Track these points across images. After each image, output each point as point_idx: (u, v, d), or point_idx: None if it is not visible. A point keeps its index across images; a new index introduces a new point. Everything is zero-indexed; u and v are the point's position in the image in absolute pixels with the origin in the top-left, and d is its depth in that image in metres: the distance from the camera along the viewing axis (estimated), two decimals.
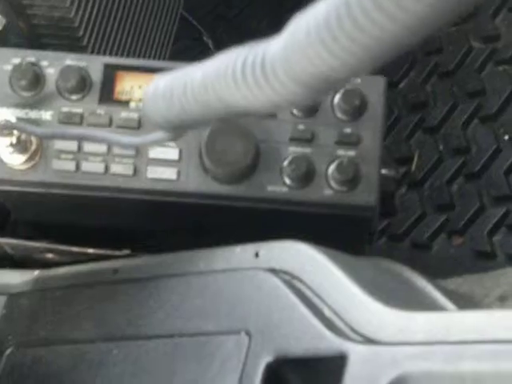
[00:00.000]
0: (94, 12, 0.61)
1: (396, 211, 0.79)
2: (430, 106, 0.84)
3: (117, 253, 0.58)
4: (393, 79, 0.84)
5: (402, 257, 0.79)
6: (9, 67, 0.54)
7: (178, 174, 0.54)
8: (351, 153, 0.54)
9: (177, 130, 0.42)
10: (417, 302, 0.50)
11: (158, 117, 0.41)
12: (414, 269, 0.61)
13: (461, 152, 0.80)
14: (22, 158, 0.53)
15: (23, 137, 0.52)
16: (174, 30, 0.77)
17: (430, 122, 0.83)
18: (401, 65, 0.85)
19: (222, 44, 0.97)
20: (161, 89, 0.40)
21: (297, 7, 1.05)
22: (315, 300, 0.47)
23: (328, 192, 0.54)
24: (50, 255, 0.59)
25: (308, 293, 0.48)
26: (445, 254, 0.77)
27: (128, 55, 0.68)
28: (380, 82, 0.54)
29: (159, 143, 0.47)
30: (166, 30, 0.75)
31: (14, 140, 0.52)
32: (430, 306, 0.50)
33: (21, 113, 0.54)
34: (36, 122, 0.53)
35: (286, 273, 0.49)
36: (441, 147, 0.81)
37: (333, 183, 0.54)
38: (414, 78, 0.85)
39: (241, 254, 0.51)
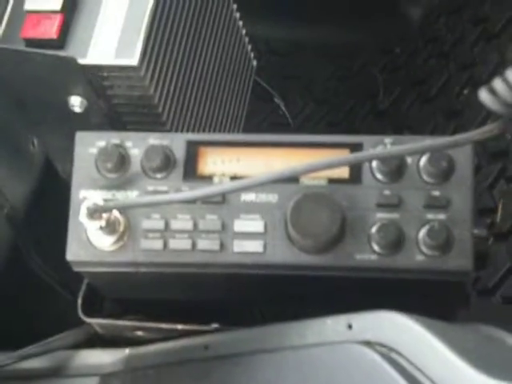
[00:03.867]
0: (172, 88, 0.62)
1: (485, 265, 0.77)
2: (511, 153, 0.82)
3: (206, 328, 0.57)
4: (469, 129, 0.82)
5: (494, 312, 0.76)
6: (94, 150, 0.55)
7: (265, 246, 0.53)
8: (441, 216, 0.52)
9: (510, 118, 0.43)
10: None
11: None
12: (507, 324, 0.58)
13: None
14: (110, 239, 0.53)
15: (112, 219, 0.53)
16: (248, 96, 0.77)
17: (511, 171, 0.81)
18: (477, 114, 0.84)
19: (292, 103, 0.98)
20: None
21: (369, 61, 1.05)
22: (416, 373, 0.46)
23: (420, 258, 0.52)
24: (139, 333, 0.59)
25: (407, 366, 0.46)
26: None
27: (205, 126, 0.69)
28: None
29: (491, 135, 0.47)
30: (240, 98, 0.76)
31: (103, 223, 0.52)
32: None
33: (108, 194, 0.54)
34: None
35: (382, 345, 0.48)
36: None
37: (424, 248, 0.52)
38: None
39: (333, 327, 0.50)
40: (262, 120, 0.97)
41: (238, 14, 0.73)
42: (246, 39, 0.76)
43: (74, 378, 0.59)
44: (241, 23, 0.74)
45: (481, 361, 0.45)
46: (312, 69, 0.99)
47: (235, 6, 0.72)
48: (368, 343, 0.48)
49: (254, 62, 0.79)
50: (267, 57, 0.99)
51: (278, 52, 1.00)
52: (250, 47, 0.77)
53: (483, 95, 0.43)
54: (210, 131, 0.69)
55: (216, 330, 0.57)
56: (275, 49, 1.00)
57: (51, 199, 0.65)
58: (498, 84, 0.43)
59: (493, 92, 0.43)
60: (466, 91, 0.88)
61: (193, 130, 0.66)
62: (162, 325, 0.58)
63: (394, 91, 0.94)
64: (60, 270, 0.58)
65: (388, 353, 0.47)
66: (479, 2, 0.92)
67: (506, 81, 0.43)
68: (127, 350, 0.58)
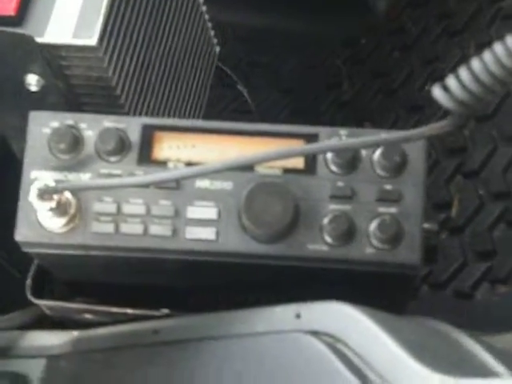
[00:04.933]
0: (131, 71, 0.61)
1: (437, 259, 0.78)
2: (469, 150, 0.82)
3: (156, 313, 0.57)
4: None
5: (445, 306, 0.77)
6: (47, 130, 0.55)
7: (217, 233, 0.53)
8: (393, 210, 0.53)
9: (463, 114, 0.43)
10: (465, 366, 0.49)
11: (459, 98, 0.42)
12: (458, 318, 0.59)
13: (502, 197, 0.78)
14: (61, 221, 0.53)
15: (63, 200, 0.52)
16: (210, 82, 0.77)
17: (469, 166, 0.81)
18: (438, 109, 0.84)
19: (256, 91, 0.97)
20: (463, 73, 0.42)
21: (333, 52, 1.05)
22: (360, 364, 0.46)
23: (370, 250, 0.53)
24: (88, 316, 0.59)
25: (352, 356, 0.47)
26: (488, 303, 0.76)
27: (164, 110, 0.68)
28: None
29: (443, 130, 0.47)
30: (201, 84, 0.75)
31: (53, 204, 0.52)
32: (479, 369, 0.48)
33: (59, 176, 0.54)
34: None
35: (328, 335, 0.48)
36: (481, 192, 0.80)
37: (374, 241, 0.53)
38: None
39: (281, 315, 0.50)
40: (225, 107, 0.97)
41: None
42: (210, 24, 0.76)
43: (21, 358, 0.58)
44: (204, 8, 0.74)
45: (425, 354, 0.45)
46: (277, 57, 0.99)
47: None
48: (315, 333, 0.48)
49: (217, 48, 0.78)
50: (233, 43, 0.98)
51: (244, 39, 1.00)
52: (213, 33, 0.77)
53: (436, 92, 0.44)
54: (169, 116, 0.69)
55: (166, 316, 0.57)
56: (241, 36, 1.00)
57: (6, 178, 0.64)
58: (450, 81, 0.43)
59: (446, 89, 0.44)
60: (427, 86, 0.89)
61: (151, 114, 0.65)
62: (111, 308, 0.58)
63: (358, 82, 0.95)
64: (12, 250, 0.57)
65: (334, 343, 0.47)
66: None
67: (458, 78, 0.43)
68: (75, 333, 0.58)
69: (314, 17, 0.99)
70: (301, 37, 0.99)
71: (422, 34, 0.92)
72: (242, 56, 0.99)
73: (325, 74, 0.96)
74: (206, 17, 0.75)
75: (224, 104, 0.97)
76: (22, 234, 0.54)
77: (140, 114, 0.64)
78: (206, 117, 0.77)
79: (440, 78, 0.45)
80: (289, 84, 0.97)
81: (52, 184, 0.51)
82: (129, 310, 0.58)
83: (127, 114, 0.62)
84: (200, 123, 0.57)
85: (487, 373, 0.47)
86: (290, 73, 0.98)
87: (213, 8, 0.75)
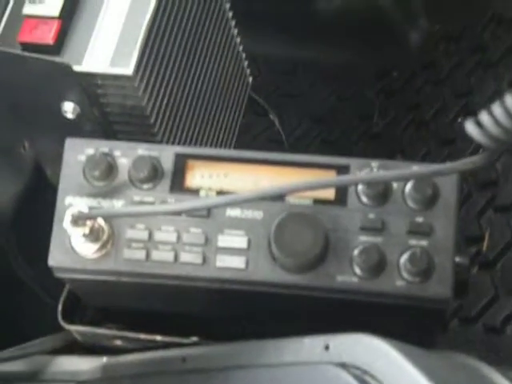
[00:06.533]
0: (165, 101, 0.62)
1: (468, 293, 0.77)
2: (501, 184, 0.82)
3: (185, 340, 0.58)
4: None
5: (475, 340, 0.76)
6: (83, 158, 0.56)
7: (247, 262, 0.54)
8: (424, 243, 0.52)
9: (497, 149, 0.44)
10: None
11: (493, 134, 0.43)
12: (488, 353, 0.58)
13: None
14: (93, 247, 0.54)
15: (96, 226, 0.53)
16: (242, 112, 0.78)
17: (501, 201, 0.81)
18: (470, 142, 0.84)
19: (287, 120, 0.98)
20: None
21: (366, 83, 1.05)
22: None
23: (400, 283, 0.52)
24: (118, 342, 0.59)
25: None
26: None
27: (197, 139, 0.69)
28: None
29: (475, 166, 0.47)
30: (234, 114, 0.76)
31: (86, 230, 0.52)
32: None
33: (93, 202, 0.55)
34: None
35: (357, 368, 0.48)
36: None
37: (405, 274, 0.52)
38: None
39: (310, 347, 0.50)
40: (257, 135, 0.97)
41: (235, 31, 0.74)
42: (243, 55, 0.76)
43: (51, 383, 0.59)
44: (238, 40, 0.75)
45: None
46: (310, 88, 1.00)
47: (233, 23, 0.73)
48: (343, 365, 0.48)
49: (250, 79, 0.79)
50: (266, 74, 0.99)
51: (277, 70, 1.01)
52: (246, 63, 0.77)
53: (470, 127, 0.44)
54: (201, 145, 0.70)
55: (194, 344, 0.57)
56: (274, 67, 1.01)
57: (39, 203, 0.65)
58: (484, 117, 0.43)
59: (479, 124, 0.44)
60: (460, 119, 0.89)
61: (184, 143, 0.66)
62: (141, 335, 0.58)
63: (389, 114, 0.95)
64: (44, 275, 0.58)
65: (362, 375, 0.47)
66: (479, 31, 0.92)
67: (491, 114, 0.43)
68: (105, 359, 0.58)
69: (346, 49, 0.99)
70: (333, 68, 0.99)
71: (456, 67, 0.92)
72: (274, 86, 1.00)
73: (357, 106, 0.97)
74: (240, 48, 0.75)
75: (255, 132, 0.97)
76: (56, 259, 0.54)
77: (173, 143, 0.65)
78: (237, 144, 0.78)
79: (473, 111, 0.45)
80: (320, 114, 0.98)
81: (86, 210, 0.52)
82: (158, 337, 0.58)
83: (160, 142, 0.63)
84: (232, 152, 0.57)
85: None
86: (321, 103, 0.98)
87: (246, 40, 0.76)
